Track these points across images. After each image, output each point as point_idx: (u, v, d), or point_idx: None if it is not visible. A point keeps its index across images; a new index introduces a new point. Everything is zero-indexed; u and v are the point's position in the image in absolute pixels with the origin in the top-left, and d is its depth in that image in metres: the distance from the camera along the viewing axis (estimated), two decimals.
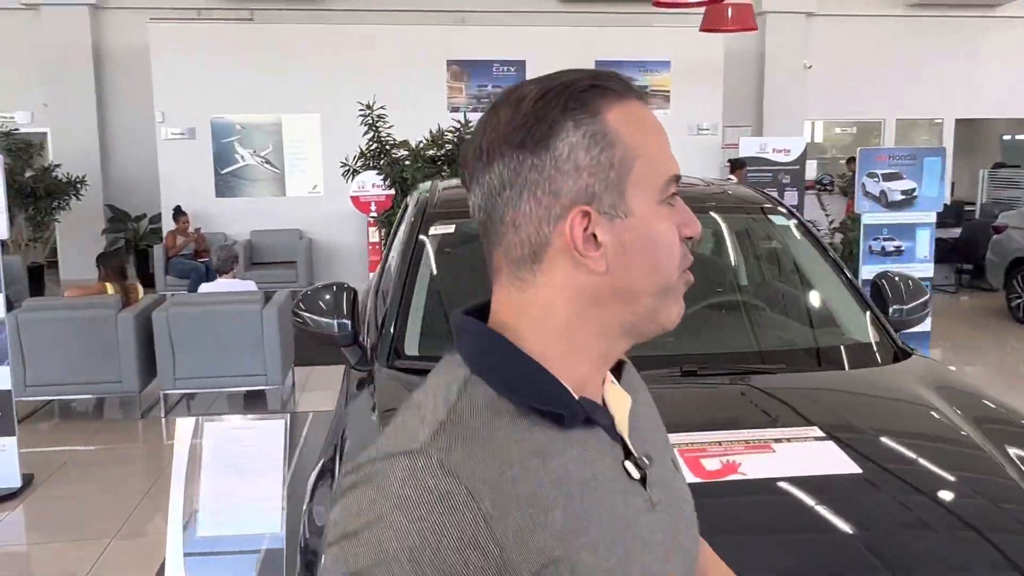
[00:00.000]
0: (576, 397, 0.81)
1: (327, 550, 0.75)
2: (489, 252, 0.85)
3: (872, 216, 5.92)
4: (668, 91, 11.56)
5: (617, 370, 0.93)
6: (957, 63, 13.52)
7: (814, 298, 2.78)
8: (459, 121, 6.73)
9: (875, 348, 2.51)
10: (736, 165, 10.66)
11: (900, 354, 2.49)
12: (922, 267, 6.00)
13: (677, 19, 11.73)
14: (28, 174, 9.91)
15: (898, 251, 5.97)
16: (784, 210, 2.99)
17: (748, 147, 11.62)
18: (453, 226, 2.82)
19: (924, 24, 13.38)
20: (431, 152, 6.86)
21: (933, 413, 2.07)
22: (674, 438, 1.81)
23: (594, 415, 0.82)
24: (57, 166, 10.47)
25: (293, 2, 11.82)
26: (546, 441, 0.78)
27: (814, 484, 1.68)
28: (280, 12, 11.72)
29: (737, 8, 9.51)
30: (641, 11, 11.21)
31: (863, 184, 5.96)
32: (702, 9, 9.19)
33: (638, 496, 0.84)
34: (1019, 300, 9.08)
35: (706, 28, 9.52)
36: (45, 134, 11.76)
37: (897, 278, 2.94)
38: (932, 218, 6.04)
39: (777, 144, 11.75)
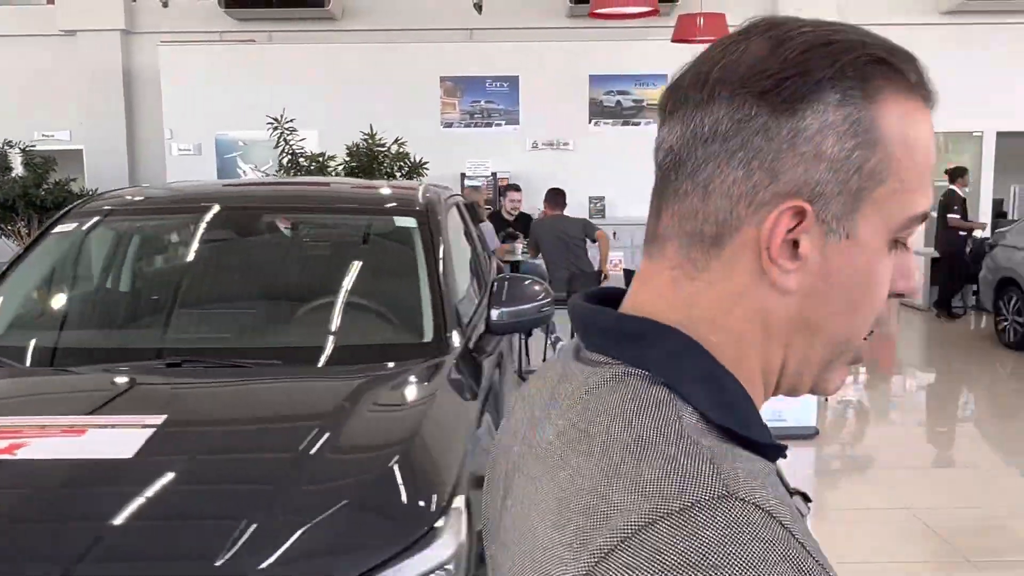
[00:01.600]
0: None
1: None
2: (657, 213, 0.68)
3: None
4: None
5: None
6: (997, 73, 12.72)
7: (380, 299, 2.77)
8: (367, 133, 6.88)
9: (407, 350, 2.50)
10: (955, 174, 10.54)
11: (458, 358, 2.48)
12: None
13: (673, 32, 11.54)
14: (43, 187, 10.66)
15: None
16: (415, 211, 2.99)
17: None
18: (74, 224, 2.97)
19: (960, 32, 12.69)
20: (354, 164, 7.05)
21: (332, 408, 2.07)
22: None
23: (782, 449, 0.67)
24: (72, 180, 11.22)
25: (299, 24, 12.28)
26: (769, 476, 0.62)
27: (49, 467, 1.73)
28: (286, 34, 12.21)
29: (709, 18, 9.32)
30: (638, 25, 11.09)
31: None
32: (646, 20, 9.04)
33: None
34: (1006, 323, 8.48)
35: (677, 39, 9.35)
36: (81, 151, 12.67)
37: (514, 280, 2.91)
38: None
39: None
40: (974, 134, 13.32)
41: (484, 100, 11.36)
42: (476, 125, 11.39)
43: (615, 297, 0.72)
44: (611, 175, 11.33)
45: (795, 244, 0.62)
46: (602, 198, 11.29)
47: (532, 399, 0.72)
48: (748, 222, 0.62)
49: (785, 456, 0.66)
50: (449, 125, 11.40)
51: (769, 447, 0.63)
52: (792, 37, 0.63)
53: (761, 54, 0.63)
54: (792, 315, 0.65)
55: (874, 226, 0.63)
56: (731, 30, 0.70)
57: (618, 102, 11.40)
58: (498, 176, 10.85)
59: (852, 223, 0.63)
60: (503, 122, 11.41)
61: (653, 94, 11.40)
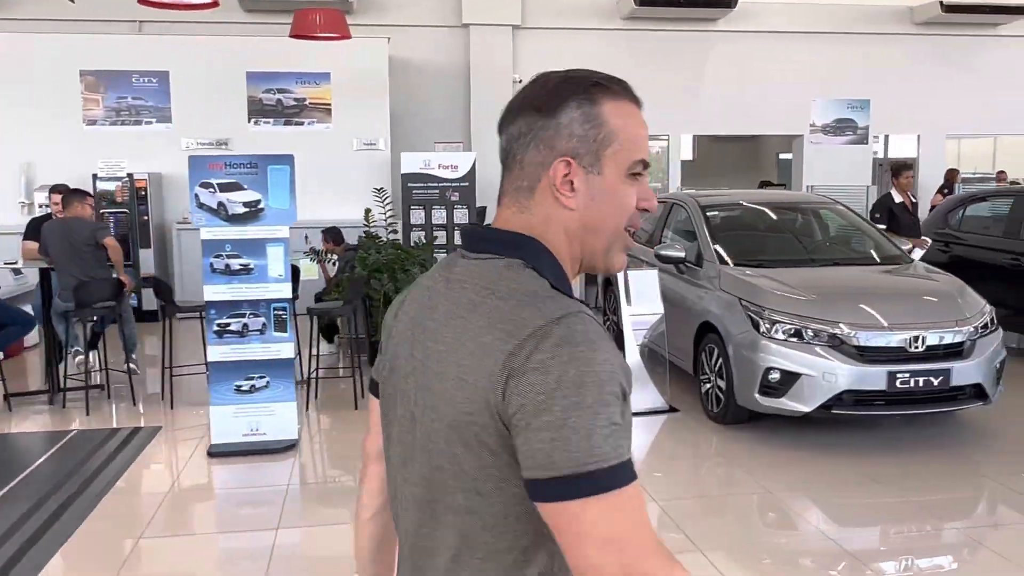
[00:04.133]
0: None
1: (555, 400, 0.98)
2: (502, 180, 1.19)
3: (211, 231, 5.34)
4: (329, 104, 11.02)
5: None
6: (681, 78, 13.08)
7: None
8: None
9: None
10: (893, 173, 8.61)
11: None
12: (277, 287, 5.41)
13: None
14: None
15: (247, 269, 5.39)
16: None
17: (410, 163, 11.10)
18: None
19: (643, 38, 12.95)
20: None
21: None
22: None
23: None
24: None
25: None
26: None
27: None
28: None
29: (327, 15, 9.02)
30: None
31: (197, 195, 5.38)
32: (196, 13, 8.64)
33: None
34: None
35: (296, 34, 8.99)
36: None
37: None
38: (284, 233, 5.45)
39: (443, 160, 11.24)
40: (660, 138, 13.69)
41: (131, 96, 10.66)
42: (124, 123, 10.67)
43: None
44: None
45: (572, 184, 1.13)
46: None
47: (430, 285, 1.19)
48: (543, 176, 1.13)
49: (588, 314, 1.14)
50: (93, 123, 10.63)
51: (580, 303, 1.11)
52: (551, 79, 1.17)
53: (535, 90, 1.17)
54: (580, 223, 1.15)
55: (612, 167, 1.14)
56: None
57: (279, 101, 10.95)
58: (135, 177, 10.16)
59: (599, 166, 1.13)
60: (154, 120, 10.73)
61: (316, 93, 11.03)
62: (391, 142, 11.56)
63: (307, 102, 11.00)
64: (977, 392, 5.35)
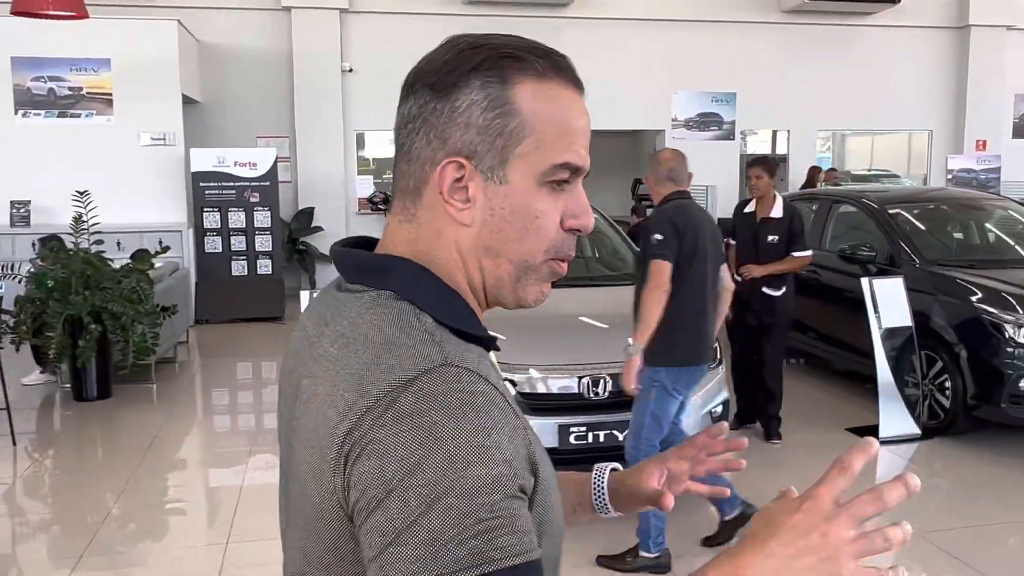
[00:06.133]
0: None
1: (392, 495, 0.73)
2: (393, 181, 0.93)
3: None
4: (110, 94, 9.83)
5: None
6: None
7: None
8: None
9: None
10: (753, 164, 5.92)
11: None
12: None
13: (118, 10, 10.04)
14: None
15: None
16: None
17: (202, 160, 9.96)
18: None
19: (487, 24, 11.90)
20: None
21: None
22: None
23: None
24: None
25: None
26: (487, 358, 0.88)
27: None
28: None
29: None
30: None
31: None
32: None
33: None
34: None
35: (18, 11, 7.79)
36: None
37: None
38: None
39: (240, 157, 10.12)
40: None
41: None
42: None
43: (368, 242, 0.97)
44: (44, 176, 9.67)
45: (467, 191, 0.86)
46: (28, 203, 9.60)
47: (307, 326, 0.93)
48: (432, 175, 0.87)
49: (498, 349, 0.93)
50: None
51: (483, 338, 0.89)
52: (456, 44, 0.89)
53: (434, 58, 0.89)
54: (475, 242, 0.88)
55: (522, 172, 0.86)
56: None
57: (51, 90, 9.74)
58: None
59: (504, 171, 0.86)
60: None
61: (95, 81, 9.84)
62: (192, 137, 10.43)
63: (84, 91, 9.80)
64: None
